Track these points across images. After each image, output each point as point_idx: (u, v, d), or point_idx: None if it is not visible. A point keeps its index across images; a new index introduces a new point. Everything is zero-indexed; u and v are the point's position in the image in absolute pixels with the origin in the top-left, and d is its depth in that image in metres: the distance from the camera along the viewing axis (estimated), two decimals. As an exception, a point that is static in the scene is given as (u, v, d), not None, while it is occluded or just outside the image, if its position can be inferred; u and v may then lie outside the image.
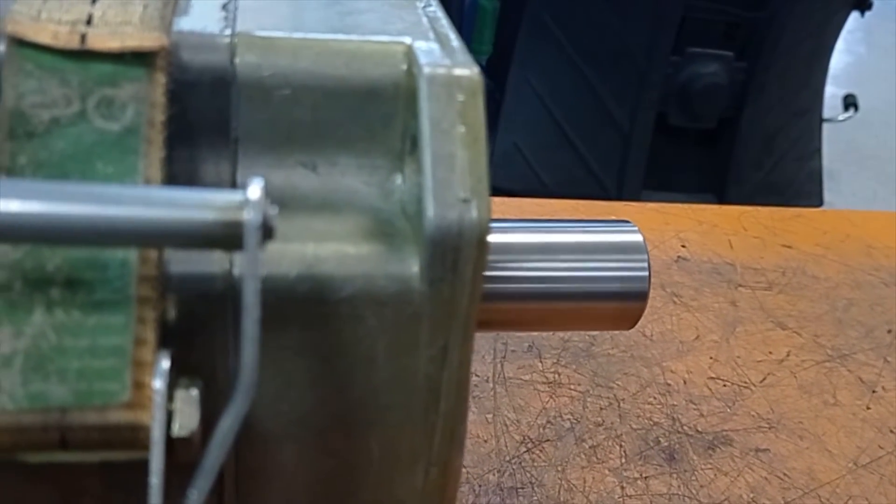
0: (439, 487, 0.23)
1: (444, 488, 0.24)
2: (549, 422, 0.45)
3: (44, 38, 0.18)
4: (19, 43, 0.19)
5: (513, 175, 1.31)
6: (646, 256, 0.34)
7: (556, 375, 0.48)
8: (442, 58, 0.20)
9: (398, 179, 0.22)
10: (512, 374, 0.48)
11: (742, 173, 1.33)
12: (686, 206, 0.70)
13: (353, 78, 0.21)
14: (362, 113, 0.21)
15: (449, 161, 0.20)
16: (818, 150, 1.43)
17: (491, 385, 0.47)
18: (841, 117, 1.90)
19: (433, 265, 0.20)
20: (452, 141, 0.20)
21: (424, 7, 0.25)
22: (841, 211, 0.70)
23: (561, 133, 1.29)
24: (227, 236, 0.15)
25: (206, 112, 0.20)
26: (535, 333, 0.51)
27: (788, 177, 1.39)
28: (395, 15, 0.24)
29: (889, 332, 0.55)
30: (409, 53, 0.21)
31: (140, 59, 0.19)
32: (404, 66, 0.21)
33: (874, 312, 0.57)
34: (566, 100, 1.30)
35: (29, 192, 0.15)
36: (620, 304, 0.33)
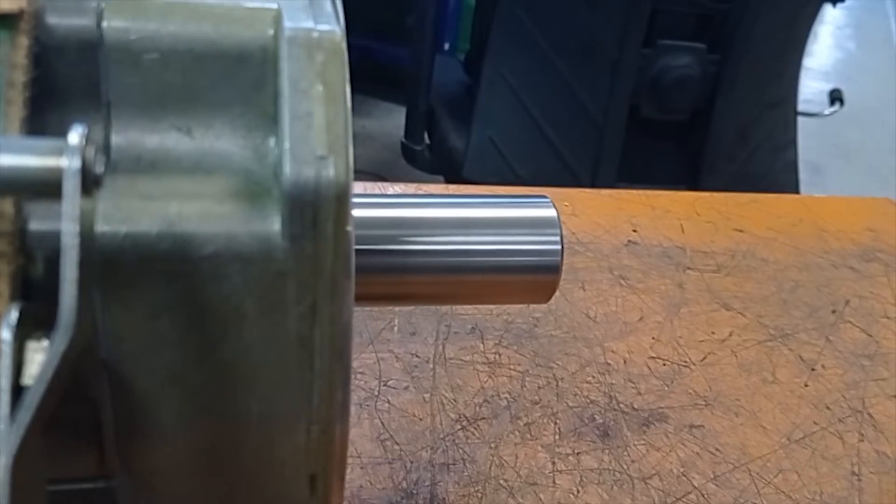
0: (323, 447, 0.24)
1: (328, 449, 0.24)
2: (486, 401, 0.46)
3: None
4: None
5: (488, 168, 1.31)
6: (558, 231, 0.34)
7: (497, 356, 0.49)
8: (305, 19, 0.21)
9: (272, 142, 0.22)
10: (453, 354, 0.49)
11: (716, 165, 1.34)
12: (640, 192, 0.70)
13: (222, 41, 0.21)
14: (233, 77, 0.22)
15: (307, 119, 0.20)
16: (793, 142, 1.44)
17: (431, 366, 0.48)
18: (826, 112, 1.91)
19: (293, 222, 0.20)
20: (311, 100, 0.20)
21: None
22: (796, 196, 0.71)
23: (535, 126, 1.29)
24: (48, 183, 0.16)
25: (75, 76, 0.21)
26: (478, 315, 0.51)
27: (763, 168, 1.39)
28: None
29: (833, 312, 0.56)
30: (278, 18, 0.22)
31: (2, 22, 0.19)
32: (272, 31, 0.22)
33: (820, 293, 0.58)
34: (540, 93, 1.30)
35: None
36: (533, 278, 0.34)
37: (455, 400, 0.46)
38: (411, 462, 0.42)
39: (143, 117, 0.22)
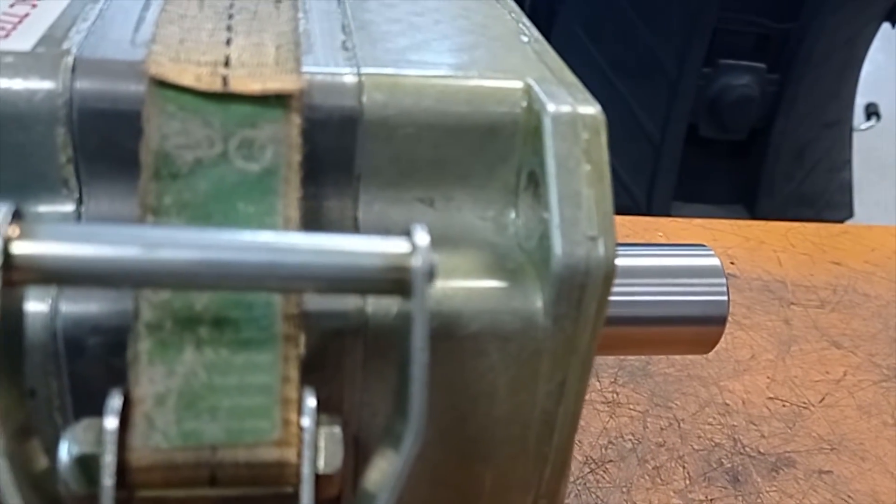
0: (547, 518, 0.24)
1: (551, 519, 0.24)
2: (610, 442, 0.45)
3: (186, 80, 0.19)
4: (160, 84, 0.19)
5: (543, 186, 1.30)
6: (724, 280, 0.34)
7: (615, 395, 0.49)
8: (564, 96, 0.21)
9: (512, 214, 0.22)
10: (570, 392, 0.48)
11: (773, 185, 1.33)
12: (731, 221, 0.70)
13: (474, 116, 0.21)
14: (481, 150, 0.22)
15: (575, 199, 0.20)
16: (848, 162, 1.43)
17: (550, 404, 0.47)
18: (863, 126, 1.89)
19: (558, 302, 0.20)
20: (578, 179, 0.20)
21: (530, 41, 0.25)
22: (888, 227, 0.70)
23: (591, 144, 1.29)
24: (395, 282, 0.16)
25: (332, 150, 0.21)
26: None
27: (819, 188, 1.38)
28: (503, 49, 0.24)
29: (944, 351, 0.55)
30: (529, 91, 0.21)
31: (278, 101, 0.19)
32: (524, 104, 0.21)
33: (928, 331, 0.57)
34: (597, 111, 1.29)
35: (215, 241, 0.15)
36: (700, 329, 0.34)
37: (580, 441, 0.45)
38: (546, 506, 0.41)
39: (390, 190, 0.22)
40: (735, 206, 1.31)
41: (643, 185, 1.29)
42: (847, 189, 1.41)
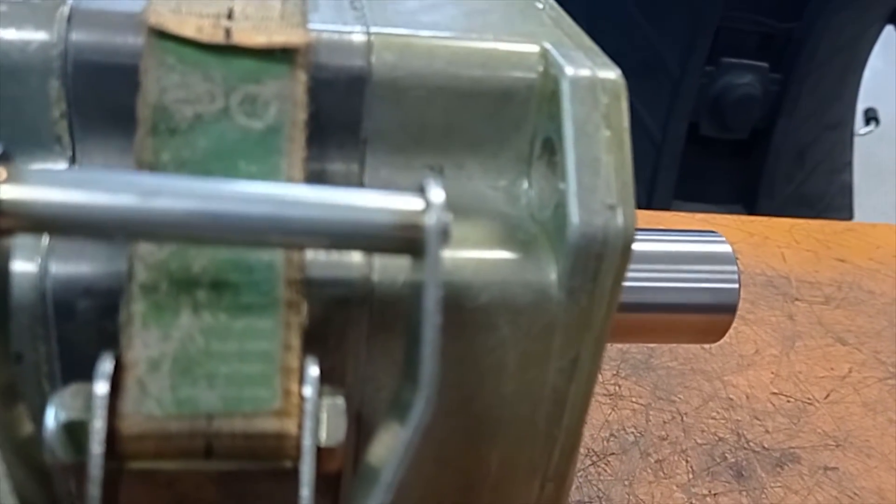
0: (553, 502, 0.23)
1: (557, 503, 0.23)
2: (612, 435, 0.44)
3: (187, 32, 0.18)
4: (160, 35, 0.18)
5: (542, 183, 1.29)
6: (736, 268, 0.33)
7: (617, 388, 0.48)
8: (583, 59, 0.20)
9: (524, 184, 0.21)
10: (571, 384, 0.47)
11: (773, 185, 1.32)
12: (735, 217, 0.69)
13: (488, 80, 0.20)
14: (494, 116, 0.21)
15: (593, 166, 0.19)
16: (849, 164, 1.42)
17: (551, 395, 0.46)
18: (862, 131, 1.89)
19: (574, 273, 0.19)
20: (597, 145, 0.19)
21: (545, 8, 0.24)
22: (892, 225, 0.69)
23: (592, 141, 1.28)
24: (407, 241, 0.15)
25: (338, 111, 0.20)
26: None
27: (819, 190, 1.38)
28: (518, 14, 0.23)
29: (950, 349, 0.54)
30: (545, 55, 0.21)
31: (284, 55, 0.18)
32: (540, 69, 0.21)
33: (933, 330, 0.56)
34: (598, 108, 1.28)
35: (216, 192, 0.14)
36: (710, 317, 0.33)
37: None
38: (546, 498, 0.40)
39: (398, 155, 0.21)
40: (734, 206, 1.31)
41: (643, 183, 1.28)
42: (847, 191, 1.40)
